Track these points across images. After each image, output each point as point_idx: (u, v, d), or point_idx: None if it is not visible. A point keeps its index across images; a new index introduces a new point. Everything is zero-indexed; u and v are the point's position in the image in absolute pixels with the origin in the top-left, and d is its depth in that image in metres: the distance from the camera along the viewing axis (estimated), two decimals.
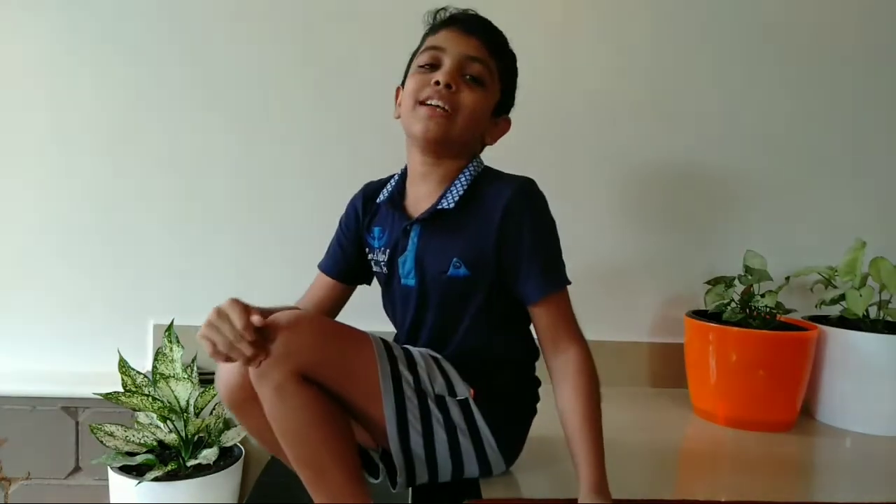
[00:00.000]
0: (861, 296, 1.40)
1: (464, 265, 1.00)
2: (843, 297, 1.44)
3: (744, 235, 1.66)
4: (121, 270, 1.62)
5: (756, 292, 1.46)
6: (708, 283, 1.56)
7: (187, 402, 1.39)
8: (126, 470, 1.34)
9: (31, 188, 1.60)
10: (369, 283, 1.19)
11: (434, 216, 1.02)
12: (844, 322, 1.44)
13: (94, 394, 1.36)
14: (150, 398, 1.36)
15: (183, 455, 1.38)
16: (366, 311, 1.17)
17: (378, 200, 1.10)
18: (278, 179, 1.62)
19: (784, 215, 1.69)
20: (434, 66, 1.01)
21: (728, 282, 1.52)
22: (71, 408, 1.56)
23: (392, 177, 1.13)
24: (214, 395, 1.39)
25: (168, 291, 1.62)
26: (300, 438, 0.90)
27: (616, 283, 1.67)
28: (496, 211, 0.98)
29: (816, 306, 1.54)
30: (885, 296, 1.43)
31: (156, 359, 1.41)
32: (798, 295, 1.61)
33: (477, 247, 0.99)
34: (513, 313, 1.04)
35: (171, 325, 1.44)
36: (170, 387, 1.39)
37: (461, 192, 1.01)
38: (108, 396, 1.34)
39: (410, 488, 1.04)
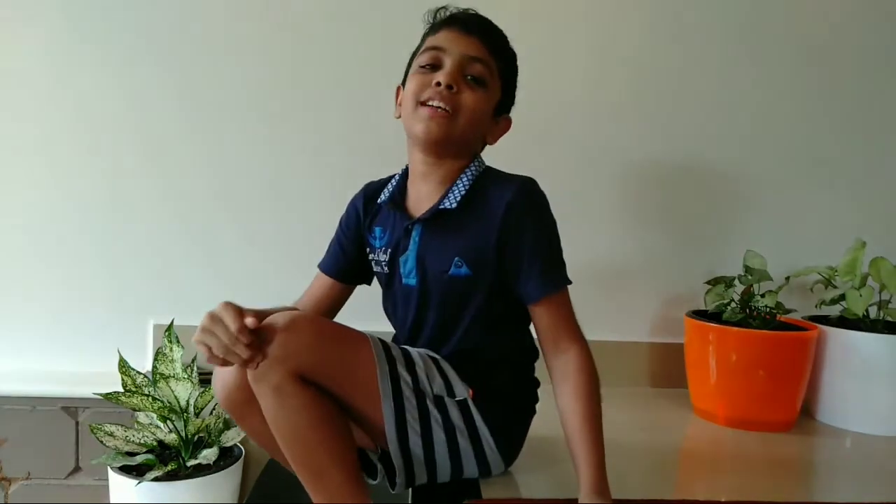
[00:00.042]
0: (861, 296, 1.40)
1: (465, 264, 1.00)
2: (843, 297, 1.44)
3: (744, 235, 1.66)
4: (121, 270, 1.62)
5: (756, 292, 1.46)
6: (708, 283, 1.56)
7: (187, 402, 1.39)
8: (126, 470, 1.34)
9: (31, 188, 1.60)
10: (369, 283, 1.19)
11: (436, 216, 1.02)
12: (844, 322, 1.44)
13: (94, 394, 1.36)
14: (150, 398, 1.36)
15: (183, 455, 1.38)
16: (364, 311, 1.17)
17: (379, 201, 1.10)
18: (279, 179, 1.62)
19: (784, 215, 1.69)
20: (435, 66, 1.00)
21: (728, 282, 1.52)
22: (71, 408, 1.56)
23: (392, 177, 1.13)
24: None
25: (168, 291, 1.62)
26: (299, 439, 0.90)
27: (616, 283, 1.67)
28: (498, 210, 0.98)
29: (816, 306, 1.54)
30: (885, 296, 1.43)
31: (156, 359, 1.41)
32: (798, 295, 1.61)
33: (478, 246, 0.99)
34: (513, 313, 1.04)
35: (171, 325, 1.44)
36: (170, 387, 1.39)
37: (463, 193, 1.01)
38: (108, 396, 1.34)
39: (410, 489, 1.04)
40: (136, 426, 1.41)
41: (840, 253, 1.48)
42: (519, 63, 1.09)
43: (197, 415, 1.40)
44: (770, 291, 1.44)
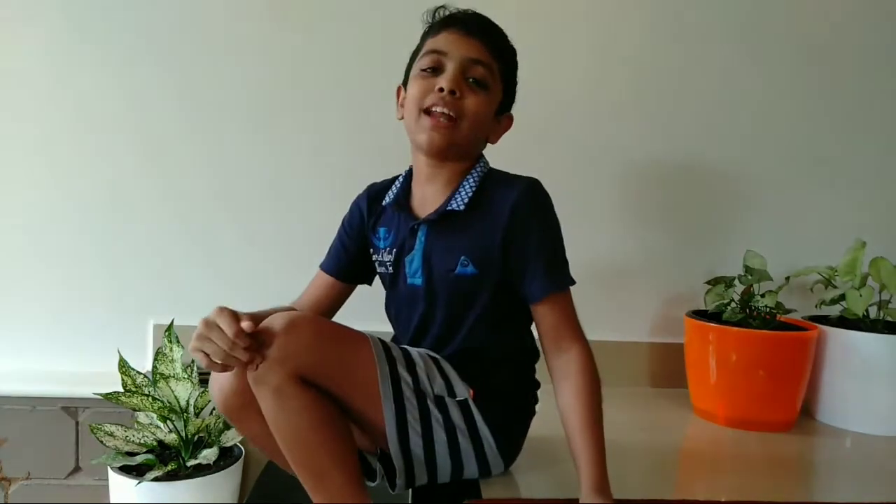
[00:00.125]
0: (861, 296, 1.40)
1: (471, 263, 1.00)
2: (843, 297, 1.44)
3: (744, 235, 1.66)
4: (121, 270, 1.62)
5: (756, 292, 1.46)
6: (708, 283, 1.56)
7: (187, 402, 1.39)
8: (126, 470, 1.34)
9: (31, 188, 1.60)
10: (370, 284, 1.19)
11: (442, 217, 1.02)
12: (844, 322, 1.44)
13: (94, 394, 1.36)
14: (150, 398, 1.36)
15: (183, 455, 1.38)
16: (364, 311, 1.17)
17: (384, 203, 1.10)
18: (279, 179, 1.62)
19: (784, 215, 1.69)
20: (436, 69, 1.01)
21: (728, 282, 1.52)
22: (71, 408, 1.56)
23: (396, 178, 1.13)
24: None
25: (168, 291, 1.62)
26: (299, 441, 0.90)
27: (616, 282, 1.67)
28: (503, 211, 0.98)
29: (816, 306, 1.54)
30: (885, 296, 1.43)
31: (156, 359, 1.41)
32: (798, 295, 1.61)
33: (484, 246, 1.00)
34: (516, 313, 1.04)
35: (171, 325, 1.44)
36: (170, 387, 1.39)
37: (470, 194, 1.01)
38: (108, 396, 1.34)
39: (410, 489, 1.04)
40: (136, 426, 1.41)
41: (840, 253, 1.48)
42: (519, 63, 1.09)
43: (197, 415, 1.40)
44: (770, 291, 1.44)
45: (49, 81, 1.58)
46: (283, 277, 1.55)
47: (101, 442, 1.37)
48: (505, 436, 1.02)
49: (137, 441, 1.39)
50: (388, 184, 1.14)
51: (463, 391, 0.99)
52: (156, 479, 1.29)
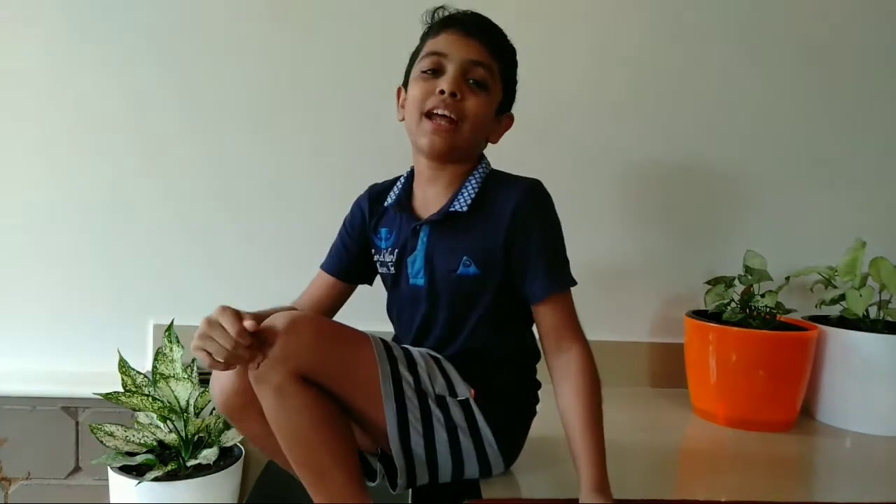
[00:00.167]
0: (861, 296, 1.40)
1: (474, 263, 1.00)
2: (843, 297, 1.44)
3: (744, 235, 1.66)
4: (121, 270, 1.62)
5: (756, 292, 1.46)
6: (708, 283, 1.56)
7: (187, 402, 1.39)
8: (126, 470, 1.34)
9: (31, 188, 1.60)
10: (370, 284, 1.19)
11: (445, 218, 1.02)
12: (844, 322, 1.44)
13: (94, 394, 1.36)
14: (150, 398, 1.36)
15: (183, 455, 1.38)
16: (365, 311, 1.17)
17: (386, 204, 1.11)
18: (279, 179, 1.62)
19: (784, 215, 1.69)
20: (436, 71, 1.01)
21: (728, 282, 1.52)
22: (71, 408, 1.56)
23: (398, 179, 1.13)
24: None
25: (168, 291, 1.62)
26: (300, 440, 0.90)
27: (616, 283, 1.67)
28: (505, 212, 0.99)
29: (816, 306, 1.54)
30: (885, 296, 1.43)
31: (156, 359, 1.41)
32: (798, 295, 1.61)
33: (486, 246, 1.00)
34: (517, 314, 1.04)
35: (171, 325, 1.44)
36: (170, 387, 1.39)
37: (473, 196, 1.02)
38: (108, 396, 1.34)
39: (410, 489, 1.04)
40: (136, 426, 1.41)
41: (840, 253, 1.48)
42: (518, 63, 1.09)
43: (197, 415, 1.40)
44: (770, 291, 1.44)
45: (49, 81, 1.58)
46: (283, 277, 1.55)
47: (101, 442, 1.37)
48: (506, 436, 1.02)
49: (137, 441, 1.39)
50: (389, 184, 1.14)
51: (464, 391, 0.99)
52: (156, 479, 1.29)
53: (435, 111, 0.99)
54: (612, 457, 0.94)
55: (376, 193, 1.15)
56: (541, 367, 1.07)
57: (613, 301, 1.67)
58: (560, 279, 1.00)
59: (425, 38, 1.06)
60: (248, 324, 0.85)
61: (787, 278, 1.55)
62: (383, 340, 0.97)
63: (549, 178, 1.05)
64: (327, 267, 1.17)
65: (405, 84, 1.08)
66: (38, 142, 1.59)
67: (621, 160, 1.66)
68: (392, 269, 1.08)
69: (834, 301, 1.46)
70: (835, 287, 1.49)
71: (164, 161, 1.61)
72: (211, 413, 1.43)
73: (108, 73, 1.59)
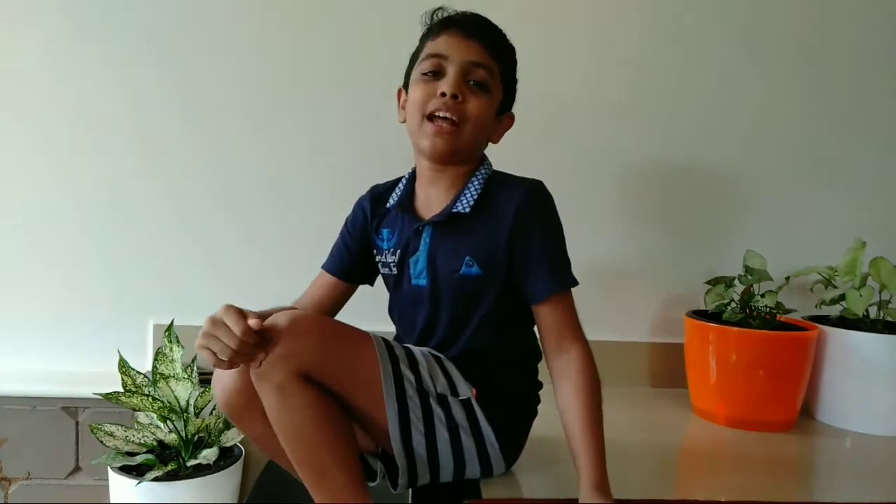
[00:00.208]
0: (861, 296, 1.40)
1: (476, 264, 1.01)
2: (843, 297, 1.44)
3: (744, 235, 1.67)
4: (121, 270, 1.62)
5: (756, 292, 1.46)
6: (708, 283, 1.56)
7: (187, 402, 1.39)
8: (126, 470, 1.33)
9: (31, 188, 1.60)
10: (371, 284, 1.19)
11: (448, 219, 1.02)
12: (844, 322, 1.44)
13: (94, 394, 1.36)
14: (150, 398, 1.36)
15: (183, 455, 1.38)
16: (366, 311, 1.17)
17: (388, 205, 1.11)
18: (279, 179, 1.62)
19: (784, 215, 1.69)
20: (437, 73, 1.01)
21: (728, 282, 1.52)
22: (71, 408, 1.56)
23: (399, 180, 1.13)
24: None
25: (168, 291, 1.62)
26: (302, 439, 0.90)
27: (616, 283, 1.67)
28: (507, 213, 0.99)
29: (816, 306, 1.54)
30: (885, 296, 1.43)
31: (156, 359, 1.41)
32: (798, 295, 1.61)
33: (489, 247, 1.01)
34: (519, 315, 1.05)
35: (171, 325, 1.44)
36: (170, 387, 1.39)
37: (476, 197, 1.02)
38: (108, 396, 1.34)
39: (410, 490, 1.04)
40: (136, 426, 1.41)
41: (840, 253, 1.48)
42: (519, 65, 1.09)
43: (197, 415, 1.40)
44: (770, 291, 1.44)
45: (49, 81, 1.58)
46: (283, 277, 1.55)
47: (101, 442, 1.37)
48: (507, 435, 1.02)
49: (137, 441, 1.39)
50: (391, 185, 1.14)
51: (466, 390, 0.99)
52: (156, 479, 1.29)
53: (436, 113, 0.99)
54: (612, 457, 0.94)
55: (378, 194, 1.15)
56: (542, 367, 1.07)
57: (613, 301, 1.67)
58: (561, 279, 1.00)
59: (425, 39, 1.06)
60: (252, 323, 0.85)
61: (787, 278, 1.56)
62: (385, 339, 0.97)
63: (549, 179, 1.05)
64: (329, 267, 1.17)
65: (405, 86, 1.08)
66: (38, 142, 1.59)
67: (621, 160, 1.66)
68: (394, 269, 1.08)
69: (834, 301, 1.46)
70: (835, 287, 1.49)
71: (163, 161, 1.61)
72: (211, 413, 1.43)
73: (108, 73, 1.59)
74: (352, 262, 1.16)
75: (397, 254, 1.08)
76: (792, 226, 1.69)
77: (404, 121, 1.07)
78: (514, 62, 1.08)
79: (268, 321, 0.88)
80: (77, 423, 1.56)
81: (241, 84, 1.60)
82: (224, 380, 0.97)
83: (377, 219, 1.13)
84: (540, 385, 1.10)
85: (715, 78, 1.66)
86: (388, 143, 1.34)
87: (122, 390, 1.37)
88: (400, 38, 1.11)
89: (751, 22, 1.65)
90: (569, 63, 1.64)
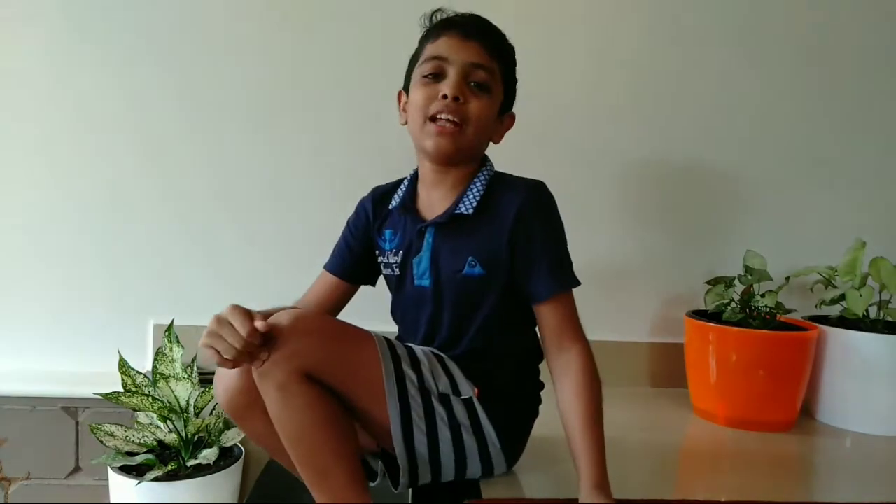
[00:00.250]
0: (861, 296, 1.40)
1: (479, 264, 1.01)
2: (843, 297, 1.44)
3: (744, 235, 1.66)
4: (121, 270, 1.62)
5: (756, 292, 1.46)
6: (708, 283, 1.56)
7: (187, 402, 1.39)
8: (126, 470, 1.34)
9: (31, 188, 1.60)
10: (373, 285, 1.20)
11: (451, 219, 1.03)
12: (844, 322, 1.44)
13: (94, 394, 1.36)
14: (150, 398, 1.36)
15: (183, 455, 1.38)
16: (368, 311, 1.17)
17: (391, 207, 1.11)
18: (279, 179, 1.62)
19: (784, 215, 1.69)
20: (437, 75, 1.01)
21: (728, 282, 1.52)
22: (71, 408, 1.56)
23: (401, 181, 1.14)
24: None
25: (168, 291, 1.62)
26: (304, 438, 0.90)
27: (616, 283, 1.67)
28: (509, 213, 1.00)
29: (816, 306, 1.54)
30: (885, 296, 1.43)
31: (156, 359, 1.41)
32: (798, 295, 1.61)
33: (491, 248, 1.01)
34: (522, 315, 1.05)
35: (171, 325, 1.44)
36: (170, 387, 1.39)
37: (478, 198, 1.02)
38: (108, 396, 1.34)
39: (410, 490, 1.04)
40: (136, 426, 1.41)
41: (840, 253, 1.48)
42: (518, 66, 1.09)
43: (197, 415, 1.40)
44: (770, 291, 1.44)
45: (49, 81, 1.58)
46: (283, 277, 1.55)
47: (101, 442, 1.37)
48: (509, 435, 1.03)
49: (137, 441, 1.39)
50: (393, 187, 1.15)
51: (468, 389, 0.99)
52: (156, 479, 1.29)
53: (439, 116, 1.00)
54: (611, 457, 0.94)
55: (380, 195, 1.15)
56: (543, 367, 1.07)
57: (613, 301, 1.67)
58: (563, 279, 1.01)
59: (424, 41, 1.06)
60: (259, 324, 0.85)
61: (787, 278, 1.56)
62: (387, 339, 0.98)
63: (549, 179, 1.05)
64: (330, 267, 1.17)
65: (406, 88, 1.09)
66: (38, 142, 1.59)
67: (621, 161, 1.66)
68: (397, 270, 1.09)
69: (834, 301, 1.46)
70: (835, 287, 1.49)
71: (164, 161, 1.61)
72: (211, 413, 1.43)
73: (107, 73, 1.59)
74: (354, 263, 1.16)
75: (400, 254, 1.08)
76: (792, 226, 1.69)
77: (405, 123, 1.07)
78: (514, 62, 1.08)
79: (270, 320, 0.88)
80: (77, 423, 1.56)
81: (241, 84, 1.60)
82: (226, 380, 0.97)
83: (379, 220, 1.13)
84: (541, 385, 1.10)
85: (714, 78, 1.66)
86: (389, 143, 1.34)
87: (122, 390, 1.37)
88: (400, 39, 1.12)
89: (750, 22, 1.65)
90: (568, 64, 1.63)
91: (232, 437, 1.43)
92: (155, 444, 1.40)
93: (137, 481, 1.29)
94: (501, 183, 1.05)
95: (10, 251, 1.60)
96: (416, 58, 1.07)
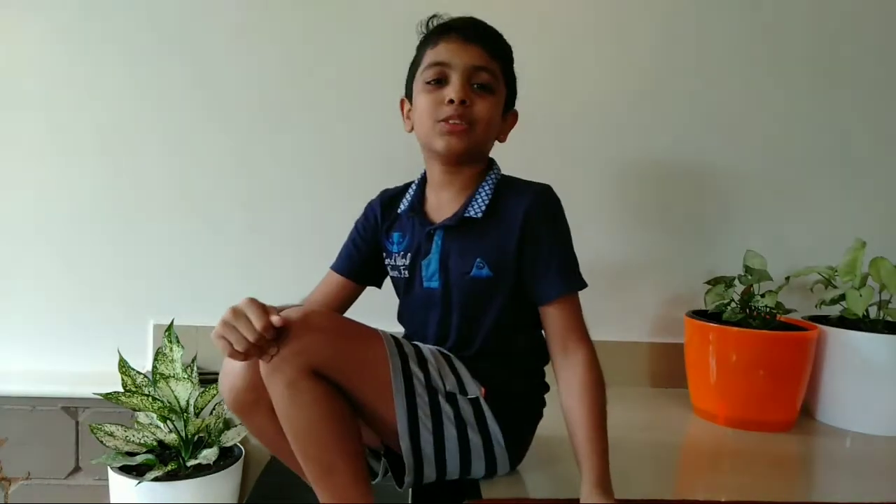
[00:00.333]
0: (861, 296, 1.40)
1: (487, 266, 1.02)
2: (843, 297, 1.44)
3: (744, 235, 1.67)
4: (121, 270, 1.62)
5: (756, 292, 1.46)
6: (708, 283, 1.56)
7: (187, 402, 1.39)
8: (126, 470, 1.34)
9: (31, 188, 1.60)
10: (379, 286, 1.20)
11: (460, 223, 1.04)
12: (844, 322, 1.44)
13: (94, 394, 1.36)
14: (150, 398, 1.36)
15: (183, 455, 1.38)
16: (371, 312, 1.17)
17: (399, 211, 1.12)
18: (279, 180, 1.62)
19: (784, 215, 1.69)
20: (440, 80, 1.02)
21: (728, 282, 1.52)
22: (71, 408, 1.56)
23: (409, 184, 1.15)
24: (214, 395, 1.39)
25: (168, 291, 1.62)
26: (311, 436, 0.91)
27: (616, 283, 1.67)
28: (517, 217, 1.01)
29: (816, 306, 1.54)
30: (885, 296, 1.43)
31: (156, 359, 1.41)
32: (798, 295, 1.61)
33: (499, 250, 1.02)
34: (529, 317, 1.05)
35: (171, 325, 1.44)
36: (170, 387, 1.39)
37: (487, 202, 1.04)
38: (108, 396, 1.34)
39: (410, 490, 1.04)
40: (136, 426, 1.41)
41: (840, 253, 1.48)
42: (517, 67, 1.10)
43: (197, 415, 1.40)
44: (770, 291, 1.44)
45: (48, 81, 1.58)
46: (284, 277, 1.56)
47: (101, 442, 1.37)
48: (514, 435, 1.03)
49: (137, 441, 1.39)
50: (401, 190, 1.15)
51: (474, 389, 1.00)
52: (156, 479, 1.29)
53: (448, 121, 1.01)
54: (612, 457, 0.94)
55: (388, 198, 1.16)
56: (548, 370, 1.07)
57: (613, 301, 1.67)
58: (570, 281, 1.02)
59: (423, 48, 1.07)
60: (275, 319, 0.85)
61: (787, 278, 1.55)
62: (394, 337, 0.98)
63: (549, 179, 1.06)
64: (337, 267, 1.18)
65: (408, 96, 1.09)
66: (38, 141, 1.59)
67: (621, 160, 1.66)
68: (405, 272, 1.09)
69: (834, 301, 1.46)
70: (835, 287, 1.49)
71: (165, 162, 1.61)
72: (211, 413, 1.43)
73: (108, 72, 1.59)
74: (361, 263, 1.16)
75: (408, 257, 1.09)
76: (792, 226, 1.69)
77: (411, 130, 1.09)
78: (512, 60, 1.09)
79: (281, 316, 0.89)
80: (77, 423, 1.56)
81: (242, 84, 1.60)
82: (232, 377, 0.98)
83: (388, 222, 1.14)
84: (547, 387, 1.11)
85: (714, 78, 1.66)
86: (396, 143, 1.34)
87: (122, 390, 1.37)
88: (401, 40, 1.12)
89: (749, 23, 1.65)
90: (567, 64, 1.63)
91: (232, 437, 1.43)
92: (155, 444, 1.40)
93: (137, 481, 1.29)
94: (509, 187, 1.06)
95: (11, 251, 1.60)
96: (416, 64, 1.07)
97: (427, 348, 1.01)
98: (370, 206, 1.18)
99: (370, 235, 1.16)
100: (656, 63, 1.65)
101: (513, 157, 1.15)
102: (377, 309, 1.16)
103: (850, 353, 1.40)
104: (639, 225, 1.68)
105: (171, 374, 1.40)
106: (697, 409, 1.49)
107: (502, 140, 1.11)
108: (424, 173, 1.12)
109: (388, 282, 1.18)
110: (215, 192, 1.62)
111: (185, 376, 1.40)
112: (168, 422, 1.38)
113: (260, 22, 1.59)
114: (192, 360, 1.45)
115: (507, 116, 1.10)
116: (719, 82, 1.66)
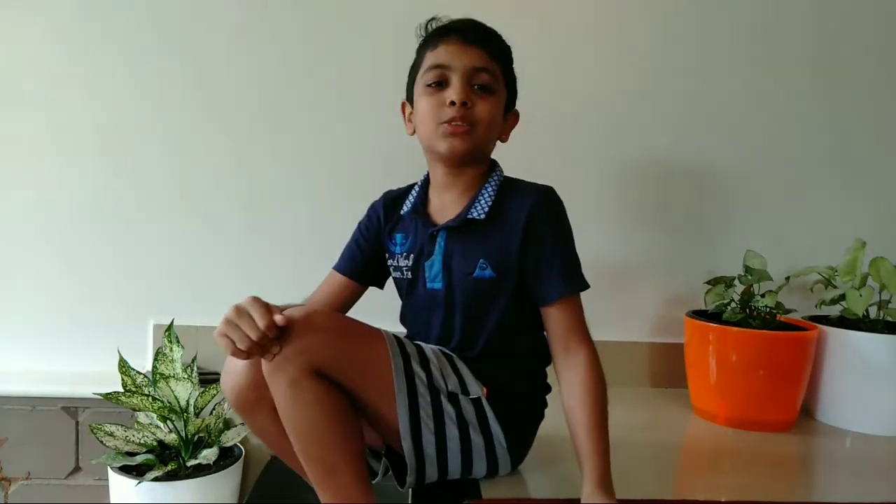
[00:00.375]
0: (861, 296, 1.40)
1: (489, 266, 1.02)
2: (843, 297, 1.44)
3: (744, 235, 1.67)
4: (121, 270, 1.62)
5: (756, 292, 1.46)
6: (708, 283, 1.56)
7: (187, 402, 1.39)
8: (126, 470, 1.34)
9: (31, 188, 1.60)
10: (381, 287, 1.20)
11: (463, 224, 1.04)
12: (844, 322, 1.44)
13: (94, 394, 1.36)
14: (150, 398, 1.36)
15: (183, 455, 1.38)
16: (373, 312, 1.17)
17: (402, 212, 1.12)
18: (279, 180, 1.62)
19: (784, 215, 1.69)
20: (441, 83, 1.02)
21: (728, 282, 1.52)
22: (71, 408, 1.56)
23: (412, 186, 1.15)
24: (214, 395, 1.39)
25: (168, 291, 1.62)
26: (313, 435, 0.91)
27: (616, 283, 1.67)
28: (520, 218, 1.01)
29: (816, 306, 1.54)
30: (885, 296, 1.43)
31: (156, 359, 1.41)
32: (798, 295, 1.61)
33: (501, 251, 1.02)
34: (531, 318, 1.06)
35: (171, 325, 1.44)
36: (170, 387, 1.39)
37: (490, 203, 1.04)
38: (108, 396, 1.34)
39: (410, 490, 1.04)
40: (136, 426, 1.41)
41: (840, 253, 1.48)
42: (517, 67, 1.10)
43: (197, 415, 1.40)
44: (770, 291, 1.44)
45: (48, 81, 1.58)
46: (284, 277, 1.56)
47: (101, 442, 1.37)
48: (516, 436, 1.03)
49: (137, 441, 1.39)
50: (404, 191, 1.16)
51: (476, 389, 1.00)
52: (156, 479, 1.29)
53: (450, 122, 1.01)
54: (612, 457, 0.94)
55: (391, 200, 1.16)
56: (549, 371, 1.07)
57: (613, 301, 1.67)
58: (573, 282, 1.02)
59: (423, 51, 1.07)
60: (278, 318, 0.85)
61: (787, 278, 1.56)
62: (397, 337, 0.98)
63: (549, 179, 1.06)
64: (340, 267, 1.18)
65: (409, 99, 1.10)
66: (38, 141, 1.59)
67: (621, 160, 1.66)
68: (408, 273, 1.10)
69: (834, 301, 1.46)
70: (835, 287, 1.49)
71: (164, 161, 1.61)
72: (211, 413, 1.43)
73: (108, 72, 1.59)
74: (364, 264, 1.17)
75: (411, 258, 1.09)
76: (792, 226, 1.69)
77: (413, 133, 1.09)
78: (512, 60, 1.09)
79: (284, 314, 0.89)
80: (77, 423, 1.56)
81: (242, 84, 1.60)
82: (235, 376, 0.98)
83: (391, 224, 1.14)
84: (549, 388, 1.11)
85: (714, 79, 1.66)
86: (398, 144, 1.34)
87: (122, 390, 1.37)
88: (401, 41, 1.12)
89: (749, 23, 1.65)
90: (567, 64, 1.63)
91: (232, 437, 1.43)
92: (155, 444, 1.40)
93: (137, 481, 1.29)
94: (511, 188, 1.06)
95: (11, 251, 1.60)
96: (416, 67, 1.08)
97: (429, 348, 1.01)
98: (373, 207, 1.18)
99: (373, 236, 1.16)
100: (656, 63, 1.65)
101: (513, 157, 1.16)
102: (379, 309, 1.15)
103: (850, 353, 1.40)
104: (639, 225, 1.68)
105: (171, 374, 1.40)
106: (697, 409, 1.49)
107: (504, 140, 1.11)
108: (427, 175, 1.13)
109: (389, 282, 1.18)
110: (215, 192, 1.62)
111: (185, 376, 1.40)
112: (168, 422, 1.38)
113: (260, 22, 1.59)
114: (192, 360, 1.45)
115: (508, 117, 1.11)
116: (719, 82, 1.66)
